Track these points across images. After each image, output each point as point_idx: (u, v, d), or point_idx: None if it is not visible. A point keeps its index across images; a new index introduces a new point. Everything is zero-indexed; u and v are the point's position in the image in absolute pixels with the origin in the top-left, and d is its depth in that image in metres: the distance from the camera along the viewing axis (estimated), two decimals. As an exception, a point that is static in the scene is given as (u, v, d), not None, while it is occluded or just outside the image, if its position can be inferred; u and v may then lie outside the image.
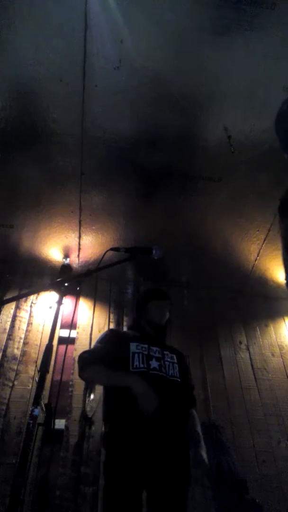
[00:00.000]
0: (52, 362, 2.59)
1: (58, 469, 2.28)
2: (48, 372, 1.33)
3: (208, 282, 3.50)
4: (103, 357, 1.82)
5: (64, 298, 1.57)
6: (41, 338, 2.91)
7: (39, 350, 2.83)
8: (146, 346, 1.90)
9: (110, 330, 2.18)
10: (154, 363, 1.83)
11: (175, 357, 1.97)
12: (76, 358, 2.79)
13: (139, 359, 1.81)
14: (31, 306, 3.12)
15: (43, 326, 3.00)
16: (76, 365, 2.74)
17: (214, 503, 2.09)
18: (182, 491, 1.57)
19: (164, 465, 1.55)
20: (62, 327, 3.00)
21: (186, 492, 1.59)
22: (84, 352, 1.90)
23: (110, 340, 1.95)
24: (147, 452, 1.55)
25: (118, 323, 3.15)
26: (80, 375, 1.83)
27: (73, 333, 2.98)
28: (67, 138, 2.37)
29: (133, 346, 1.87)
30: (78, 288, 3.23)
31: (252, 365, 3.11)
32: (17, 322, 2.98)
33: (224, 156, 2.45)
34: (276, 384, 3.03)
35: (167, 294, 2.21)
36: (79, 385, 2.67)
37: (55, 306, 1.54)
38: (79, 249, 3.17)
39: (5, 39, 1.93)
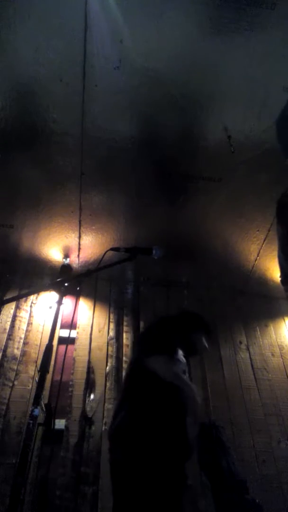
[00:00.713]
0: (52, 362, 2.59)
1: (58, 469, 2.29)
2: (48, 372, 1.34)
3: (208, 282, 3.50)
4: (160, 348, 1.84)
5: (64, 298, 1.57)
6: (41, 338, 2.91)
7: (39, 350, 2.83)
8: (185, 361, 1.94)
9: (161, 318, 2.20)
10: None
11: None
12: (76, 359, 2.80)
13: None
14: (31, 306, 3.12)
15: (43, 326, 3.00)
16: (77, 365, 2.76)
17: (214, 503, 2.09)
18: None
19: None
20: (62, 327, 3.00)
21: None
22: (146, 339, 1.91)
23: (161, 331, 1.98)
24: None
25: (118, 323, 3.15)
26: (143, 363, 1.83)
27: (73, 333, 2.98)
28: (67, 138, 2.37)
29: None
30: (78, 288, 3.23)
31: (252, 365, 3.11)
32: (17, 322, 2.98)
33: (224, 156, 2.44)
34: (276, 384, 3.03)
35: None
36: (79, 385, 2.67)
37: (55, 306, 1.54)
38: (79, 249, 3.17)
39: (5, 39, 1.93)
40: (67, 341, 2.87)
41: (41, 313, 3.09)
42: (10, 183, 2.65)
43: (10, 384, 2.61)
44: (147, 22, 1.88)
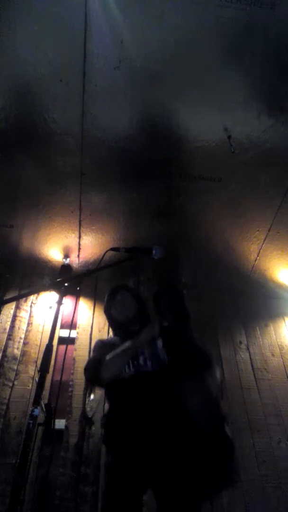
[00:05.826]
0: (52, 362, 2.59)
1: (58, 469, 2.28)
2: (48, 372, 1.33)
3: (208, 282, 3.50)
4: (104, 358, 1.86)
5: (64, 298, 1.57)
6: (41, 338, 2.91)
7: (39, 350, 2.83)
8: None
9: (97, 341, 2.18)
10: (140, 359, 1.85)
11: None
12: (76, 359, 2.80)
13: (128, 364, 1.84)
14: (31, 306, 3.12)
15: (43, 326, 3.00)
16: (77, 365, 2.77)
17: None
18: (189, 483, 1.55)
19: (166, 459, 1.55)
20: (62, 327, 3.00)
21: (193, 483, 1.56)
22: (86, 365, 1.95)
23: (101, 349, 2.00)
24: (148, 447, 1.57)
25: (118, 323, 3.15)
26: (103, 379, 1.82)
27: (73, 333, 2.98)
28: (67, 138, 2.37)
29: None
30: (78, 288, 3.23)
31: (252, 365, 3.11)
32: (17, 322, 2.98)
33: (224, 156, 2.44)
34: (276, 384, 3.03)
35: (122, 284, 2.29)
36: (79, 385, 2.67)
37: (55, 306, 1.54)
38: (79, 249, 3.17)
39: (5, 39, 1.92)
40: (67, 341, 2.87)
41: (41, 313, 3.09)
42: (10, 183, 2.64)
43: (10, 384, 2.61)
44: (147, 22, 1.87)
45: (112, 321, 2.22)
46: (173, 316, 2.14)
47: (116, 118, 2.27)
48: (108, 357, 1.83)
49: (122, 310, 2.13)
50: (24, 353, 2.80)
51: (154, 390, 1.73)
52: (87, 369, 1.92)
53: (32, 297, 3.17)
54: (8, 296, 3.13)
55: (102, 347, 2.02)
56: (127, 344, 1.85)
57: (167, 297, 2.32)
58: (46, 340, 1.43)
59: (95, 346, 2.10)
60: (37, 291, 3.21)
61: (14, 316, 3.01)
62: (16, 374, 2.67)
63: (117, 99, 2.17)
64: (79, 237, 3.06)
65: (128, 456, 1.57)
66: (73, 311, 3.08)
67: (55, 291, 2.76)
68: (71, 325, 2.59)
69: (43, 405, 1.31)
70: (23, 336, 2.90)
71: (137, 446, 1.58)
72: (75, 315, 3.10)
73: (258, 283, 3.48)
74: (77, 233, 3.02)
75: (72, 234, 3.03)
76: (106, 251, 1.85)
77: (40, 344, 2.87)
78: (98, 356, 1.91)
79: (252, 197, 2.75)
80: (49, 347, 1.39)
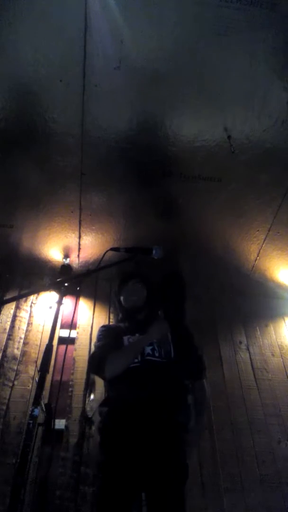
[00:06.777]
0: (52, 362, 2.59)
1: (58, 469, 2.28)
2: (48, 372, 1.33)
3: (208, 282, 3.49)
4: (110, 350, 1.85)
5: (64, 298, 1.58)
6: (41, 338, 2.91)
7: (39, 350, 2.83)
8: (136, 336, 1.91)
9: (102, 327, 2.16)
10: (147, 349, 1.84)
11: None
12: (76, 358, 2.80)
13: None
14: (31, 306, 3.12)
15: (43, 326, 3.00)
16: (77, 365, 2.76)
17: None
18: (179, 486, 1.54)
19: (158, 459, 1.54)
20: (62, 327, 3.00)
21: (183, 486, 1.56)
22: (92, 355, 1.93)
23: (107, 335, 1.98)
24: (140, 443, 1.55)
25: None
26: (104, 375, 1.82)
27: (73, 333, 2.98)
28: (67, 138, 2.37)
29: (125, 341, 1.90)
30: (78, 288, 3.23)
31: (252, 365, 3.11)
32: (17, 322, 2.98)
33: (224, 156, 2.44)
34: (276, 384, 3.02)
35: (136, 271, 2.23)
36: (79, 385, 2.67)
37: (55, 306, 1.54)
38: (79, 249, 3.17)
39: (5, 39, 1.92)
40: (67, 341, 2.87)
41: (41, 313, 3.09)
42: (10, 183, 2.64)
43: (10, 384, 2.61)
44: (147, 22, 1.88)
45: (120, 308, 2.22)
46: (176, 303, 2.15)
47: (116, 118, 2.27)
48: (112, 355, 1.80)
49: (131, 297, 2.13)
50: (24, 353, 2.80)
51: (159, 380, 1.72)
52: (90, 363, 1.91)
53: (32, 297, 3.17)
54: (8, 296, 3.13)
55: (107, 332, 2.00)
56: (134, 343, 1.84)
57: (176, 283, 2.32)
58: (46, 340, 1.43)
59: (99, 333, 2.04)
60: (37, 291, 3.21)
61: (14, 316, 3.00)
62: (16, 374, 2.67)
63: (117, 99, 2.17)
64: (79, 237, 3.06)
65: (122, 451, 1.56)
66: (73, 311, 3.08)
67: (55, 291, 2.76)
68: (71, 325, 2.60)
69: (43, 405, 1.31)
70: (23, 336, 2.90)
71: (133, 438, 1.57)
72: (75, 315, 3.10)
73: (258, 283, 3.47)
74: (77, 233, 3.02)
75: (72, 234, 3.03)
76: (106, 251, 1.85)
77: (40, 344, 2.87)
78: (102, 353, 1.86)
79: (252, 197, 2.75)
80: (49, 347, 1.39)
